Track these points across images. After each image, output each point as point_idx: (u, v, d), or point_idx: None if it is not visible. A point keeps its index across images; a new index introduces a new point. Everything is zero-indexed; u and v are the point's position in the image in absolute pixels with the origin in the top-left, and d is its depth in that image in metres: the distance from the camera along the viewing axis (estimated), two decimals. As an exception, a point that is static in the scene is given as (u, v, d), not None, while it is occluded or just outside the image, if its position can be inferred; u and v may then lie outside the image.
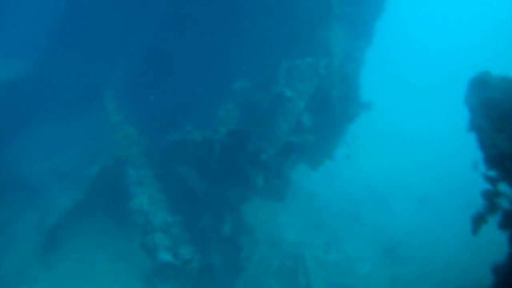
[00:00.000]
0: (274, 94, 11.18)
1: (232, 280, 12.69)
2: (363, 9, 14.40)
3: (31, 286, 11.82)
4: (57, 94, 14.86)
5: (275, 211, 15.77)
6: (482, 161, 7.71)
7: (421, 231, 17.36)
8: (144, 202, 11.06)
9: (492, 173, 7.53)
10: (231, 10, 12.79)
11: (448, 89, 25.94)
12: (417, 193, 19.52)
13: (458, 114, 11.01)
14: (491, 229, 7.61)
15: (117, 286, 12.44)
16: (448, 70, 36.26)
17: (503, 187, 7.45)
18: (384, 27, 16.33)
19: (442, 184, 20.44)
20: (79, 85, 14.97)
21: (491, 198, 7.55)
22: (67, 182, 13.95)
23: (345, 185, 19.20)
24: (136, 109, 13.83)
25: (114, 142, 12.42)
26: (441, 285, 14.74)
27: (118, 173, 12.66)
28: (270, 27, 12.90)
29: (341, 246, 16.15)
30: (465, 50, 40.97)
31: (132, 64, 14.30)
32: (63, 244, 12.96)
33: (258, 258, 14.05)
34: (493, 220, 7.61)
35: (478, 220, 7.78)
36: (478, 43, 41.21)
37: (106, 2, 14.18)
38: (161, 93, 13.55)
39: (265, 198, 13.07)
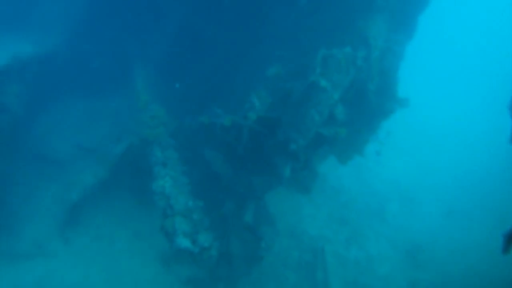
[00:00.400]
0: (308, 83, 10.69)
1: (250, 268, 12.43)
2: (407, 2, 13.78)
3: (48, 259, 11.84)
4: (87, 70, 14.71)
5: (299, 203, 15.39)
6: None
7: (446, 236, 16.75)
8: (167, 185, 10.79)
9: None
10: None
11: (493, 92, 24.76)
12: (446, 196, 18.83)
13: (500, 121, 10.35)
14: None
15: (134, 265, 12.36)
16: (495, 70, 34.45)
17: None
18: (428, 22, 15.65)
19: (473, 192, 19.62)
20: (109, 61, 14.78)
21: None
22: (92, 158, 13.88)
23: (373, 182, 18.58)
24: (166, 90, 13.59)
25: (142, 121, 12.20)
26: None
27: (143, 152, 12.47)
28: (308, 13, 12.39)
29: (362, 243, 15.69)
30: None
31: (164, 44, 13.98)
32: (83, 220, 12.90)
33: (278, 249, 13.68)
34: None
35: (511, 238, 7.20)
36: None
37: None
38: (192, 75, 13.26)
39: (290, 189, 12.68)
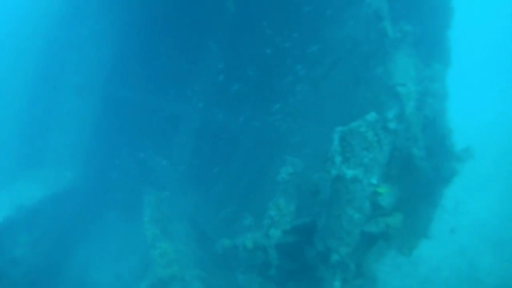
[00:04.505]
0: (332, 177, 7.44)
1: None
2: (426, 20, 10.27)
3: None
4: (112, 198, 13.30)
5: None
6: None
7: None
8: None
9: None
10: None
11: None
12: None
13: None
14: None
15: None
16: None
17: None
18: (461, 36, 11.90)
19: None
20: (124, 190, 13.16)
21: None
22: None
23: (457, 238, 14.33)
24: (182, 209, 11.12)
25: (153, 259, 9.46)
26: None
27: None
28: (317, 82, 9.34)
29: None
30: None
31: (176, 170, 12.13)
32: None
33: None
34: None
35: None
36: None
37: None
38: (209, 191, 10.97)
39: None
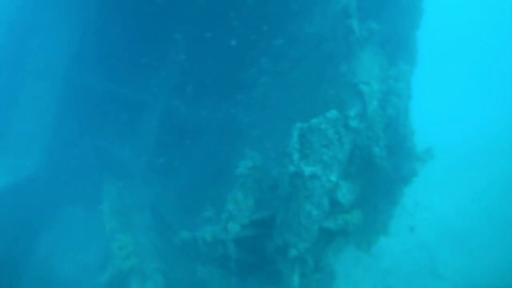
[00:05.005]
0: (290, 173, 7.39)
1: None
2: (395, 20, 10.27)
3: None
4: (74, 186, 12.53)
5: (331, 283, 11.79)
6: None
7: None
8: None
9: None
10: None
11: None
12: (504, 225, 14.49)
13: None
14: None
15: None
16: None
17: None
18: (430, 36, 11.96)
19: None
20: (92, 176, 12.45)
21: None
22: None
23: (417, 234, 14.49)
24: (143, 199, 10.86)
25: (112, 252, 9.29)
26: None
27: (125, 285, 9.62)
28: (281, 76, 9.23)
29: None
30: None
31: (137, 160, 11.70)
32: None
33: None
34: None
35: None
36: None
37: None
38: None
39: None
